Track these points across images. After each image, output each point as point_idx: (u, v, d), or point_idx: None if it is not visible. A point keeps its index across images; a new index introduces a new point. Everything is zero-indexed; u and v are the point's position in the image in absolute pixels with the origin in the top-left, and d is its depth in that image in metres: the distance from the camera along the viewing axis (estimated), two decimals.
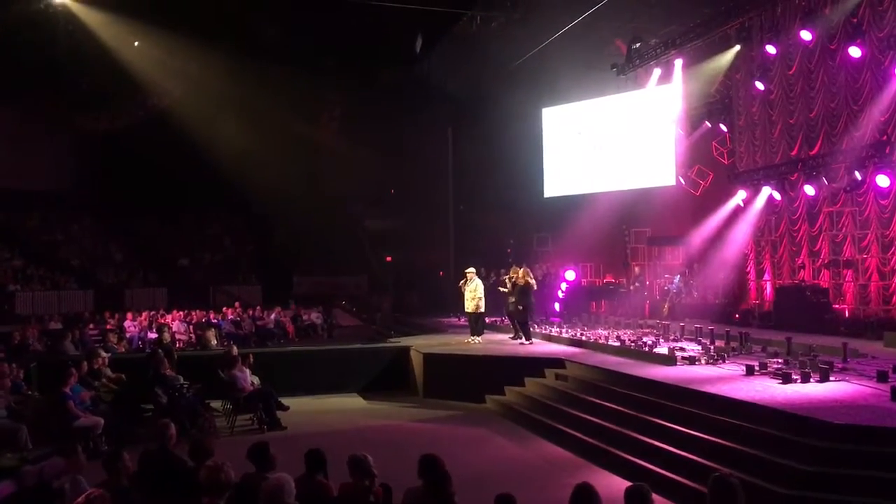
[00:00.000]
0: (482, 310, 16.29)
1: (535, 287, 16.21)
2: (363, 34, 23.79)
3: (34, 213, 28.39)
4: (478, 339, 16.15)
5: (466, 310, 16.42)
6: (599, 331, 16.29)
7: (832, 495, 6.93)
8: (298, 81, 25.92)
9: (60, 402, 10.49)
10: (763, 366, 10.76)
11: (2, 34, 20.43)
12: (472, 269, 16.52)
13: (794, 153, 17.55)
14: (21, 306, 23.14)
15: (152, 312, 21.74)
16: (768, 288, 18.83)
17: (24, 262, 25.64)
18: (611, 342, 14.22)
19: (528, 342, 15.47)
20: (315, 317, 24.15)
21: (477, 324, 16.33)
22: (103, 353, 13.12)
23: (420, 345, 15.98)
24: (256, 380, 12.91)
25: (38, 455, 9.20)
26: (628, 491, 5.09)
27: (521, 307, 15.67)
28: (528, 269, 16.33)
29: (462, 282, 16.53)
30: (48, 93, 25.11)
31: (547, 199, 23.68)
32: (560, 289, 21.30)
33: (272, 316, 22.68)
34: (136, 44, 23.04)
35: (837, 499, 6.84)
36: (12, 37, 20.70)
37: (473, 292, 16.17)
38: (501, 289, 16.70)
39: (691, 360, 11.73)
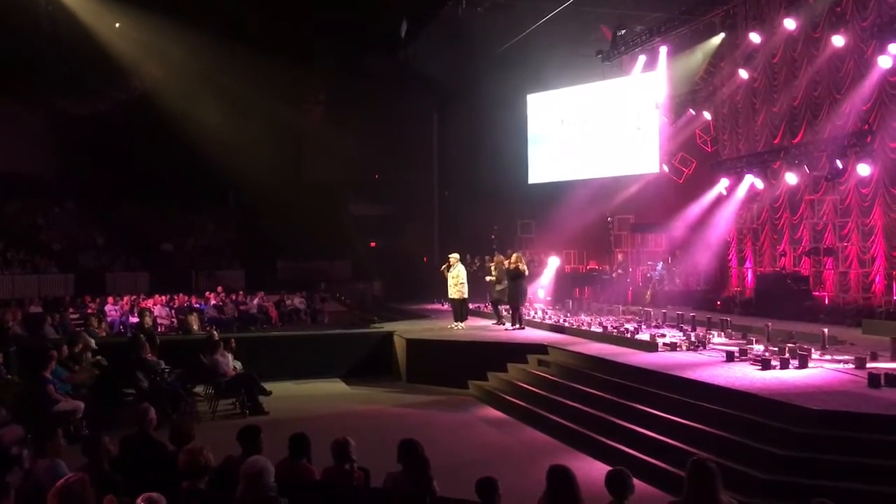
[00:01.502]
0: (465, 295, 16.31)
1: (528, 273, 16.19)
2: (348, 18, 23.63)
3: (14, 197, 28.06)
4: (461, 324, 16.18)
5: (450, 296, 16.45)
6: (582, 317, 16.37)
7: (809, 480, 7.01)
8: (282, 66, 25.70)
9: (40, 387, 10.41)
10: (743, 352, 10.86)
11: None
12: (455, 255, 16.53)
13: (776, 141, 17.68)
14: (1, 290, 22.93)
15: (134, 297, 21.59)
16: (749, 275, 18.99)
17: (4, 245, 25.38)
18: (593, 328, 14.28)
19: (516, 327, 15.49)
20: (298, 302, 24.09)
21: (461, 310, 16.36)
22: (93, 345, 12.92)
23: (403, 330, 16.00)
24: (239, 364, 12.88)
25: None
26: (609, 475, 5.15)
27: (512, 292, 15.67)
28: (521, 255, 16.34)
29: (444, 266, 16.53)
30: (28, 75, 24.75)
31: (531, 185, 23.71)
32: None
33: (255, 301, 22.60)
34: (116, 25, 22.76)
35: (815, 483, 6.91)
36: None
37: (456, 278, 16.18)
38: (488, 278, 16.71)
39: (672, 347, 11.81)
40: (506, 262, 16.03)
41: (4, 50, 22.27)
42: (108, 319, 19.01)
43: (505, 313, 16.28)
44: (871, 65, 14.93)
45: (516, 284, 15.59)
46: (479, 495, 5.27)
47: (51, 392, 10.39)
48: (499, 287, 16.15)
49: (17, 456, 5.58)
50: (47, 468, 5.65)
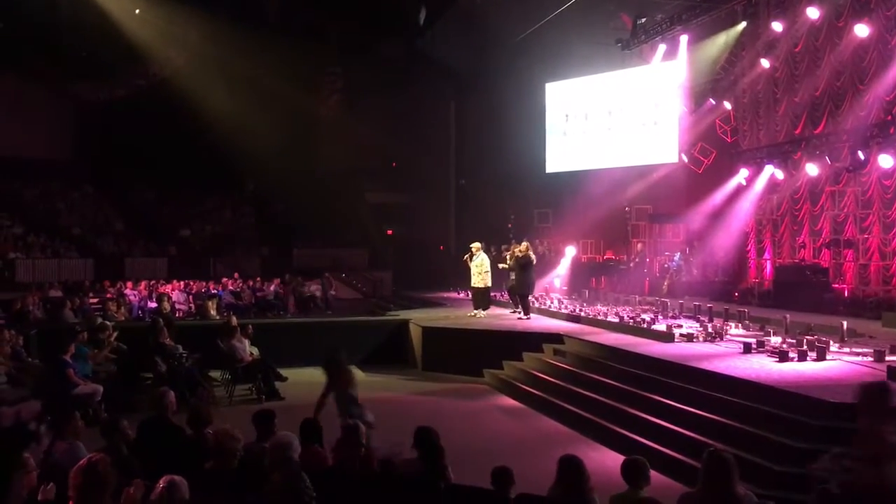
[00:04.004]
0: (489, 284, 16.31)
1: (535, 262, 16.19)
2: (366, 5, 23.60)
3: (35, 181, 28.34)
4: (483, 313, 16.16)
5: (473, 284, 16.44)
6: (598, 307, 16.32)
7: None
8: (300, 53, 25.74)
9: (60, 370, 10.54)
10: (760, 344, 10.79)
11: (2, 0, 20.25)
12: (477, 244, 16.53)
13: (797, 132, 17.49)
14: (22, 274, 23.19)
15: (152, 282, 21.76)
16: (768, 266, 18.85)
17: (24, 229, 25.65)
18: (610, 318, 14.23)
19: (525, 317, 15.50)
20: (315, 289, 24.18)
21: (483, 298, 16.35)
22: (108, 324, 13.06)
23: (419, 318, 16.03)
24: (255, 350, 12.96)
25: (16, 398, 9.27)
26: (625, 464, 5.15)
27: (521, 281, 15.68)
28: (529, 244, 16.34)
29: (467, 255, 16.53)
30: (49, 60, 24.95)
31: (549, 174, 23.60)
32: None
33: (272, 287, 22.72)
34: (136, 12, 22.87)
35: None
36: (12, 3, 20.53)
37: (479, 266, 16.17)
38: (501, 266, 16.69)
39: (689, 338, 11.75)
40: (517, 251, 16.01)
41: (25, 35, 22.45)
42: (128, 304, 19.19)
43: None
44: (895, 55, 14.72)
45: (525, 273, 15.57)
46: (493, 483, 5.28)
47: (70, 375, 10.52)
48: (513, 275, 16.15)
49: (35, 431, 5.67)
50: (66, 450, 5.73)
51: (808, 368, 9.39)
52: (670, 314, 14.60)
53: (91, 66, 24.99)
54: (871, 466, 4.53)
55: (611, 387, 10.56)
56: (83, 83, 26.87)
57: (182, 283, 21.86)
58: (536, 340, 13.49)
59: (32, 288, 20.22)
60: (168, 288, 20.97)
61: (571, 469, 4.86)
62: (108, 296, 19.35)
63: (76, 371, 10.72)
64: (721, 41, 19.62)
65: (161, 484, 4.18)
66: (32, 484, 4.76)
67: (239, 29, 23.41)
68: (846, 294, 16.08)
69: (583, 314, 15.14)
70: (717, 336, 11.82)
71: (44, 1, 20.98)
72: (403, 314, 17.12)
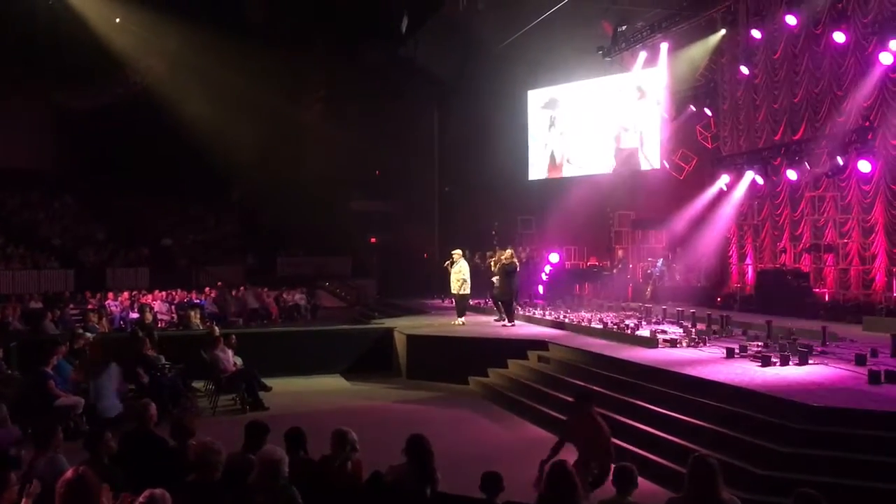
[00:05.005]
0: (466, 291, 16.30)
1: (518, 268, 16.20)
2: (349, 13, 23.60)
3: (15, 191, 28.08)
4: (462, 320, 16.16)
5: (452, 291, 16.43)
6: (582, 313, 16.37)
7: (810, 476, 7.00)
8: (283, 61, 25.70)
9: (41, 382, 10.41)
10: (743, 349, 10.86)
11: None
12: (458, 251, 16.51)
13: (777, 138, 17.65)
14: (1, 285, 22.95)
15: (134, 292, 21.60)
16: (750, 272, 18.99)
17: (4, 240, 25.39)
18: (593, 325, 14.27)
19: (510, 324, 15.51)
20: (299, 298, 24.11)
21: (460, 305, 16.35)
22: (88, 335, 12.97)
23: (404, 326, 15.98)
24: (239, 360, 12.87)
25: None
26: (616, 470, 5.16)
27: (504, 288, 15.69)
28: (513, 251, 16.36)
29: (447, 262, 16.52)
30: (28, 69, 24.76)
31: (531, 181, 23.66)
32: (544, 271, 21.38)
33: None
34: (117, 20, 22.76)
35: (815, 480, 6.90)
36: None
37: (458, 273, 16.16)
38: (494, 279, 16.65)
39: (673, 343, 11.81)
40: (501, 258, 16.00)
41: (5, 44, 22.27)
42: (109, 315, 19.04)
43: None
44: (872, 61, 14.90)
45: (509, 280, 15.58)
46: (482, 488, 5.27)
47: (51, 388, 10.39)
48: (498, 282, 16.14)
49: (17, 456, 5.60)
50: (48, 463, 5.67)
51: (791, 373, 9.45)
52: (654, 320, 14.68)
53: (72, 75, 24.83)
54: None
55: (595, 393, 10.56)
56: (64, 92, 26.68)
57: (164, 293, 21.71)
58: (521, 347, 13.48)
59: (12, 299, 20.02)
60: (150, 298, 20.82)
61: (562, 476, 4.86)
62: (90, 306, 19.19)
63: (57, 383, 10.60)
64: (701, 48, 19.80)
65: (142, 498, 4.13)
66: (13, 499, 4.69)
67: (221, 37, 23.35)
68: (827, 298, 16.21)
69: (567, 321, 15.18)
70: (699, 341, 11.89)
71: (23, 10, 20.82)
72: (388, 322, 17.07)
